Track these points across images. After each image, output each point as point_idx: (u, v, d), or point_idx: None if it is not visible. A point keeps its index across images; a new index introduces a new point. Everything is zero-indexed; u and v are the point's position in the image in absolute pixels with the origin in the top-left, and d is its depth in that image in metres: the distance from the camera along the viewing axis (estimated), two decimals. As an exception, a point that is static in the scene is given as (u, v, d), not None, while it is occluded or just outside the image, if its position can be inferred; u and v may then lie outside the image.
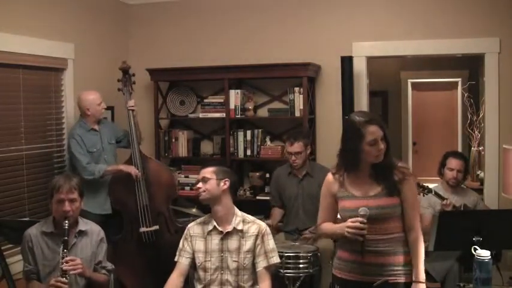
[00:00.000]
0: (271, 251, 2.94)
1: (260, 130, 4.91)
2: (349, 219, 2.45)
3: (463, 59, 6.49)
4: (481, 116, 5.45)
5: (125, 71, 4.42)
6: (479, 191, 4.58)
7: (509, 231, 3.08)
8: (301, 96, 4.65)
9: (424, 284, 2.48)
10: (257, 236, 2.92)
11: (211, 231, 2.94)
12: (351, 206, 2.49)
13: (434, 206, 3.92)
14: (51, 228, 2.97)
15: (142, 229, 4.15)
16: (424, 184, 3.91)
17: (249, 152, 4.89)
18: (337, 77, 4.60)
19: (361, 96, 4.68)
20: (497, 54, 4.45)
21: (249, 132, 4.89)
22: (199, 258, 2.92)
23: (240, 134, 4.90)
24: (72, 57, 4.48)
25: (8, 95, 3.94)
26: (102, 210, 4.13)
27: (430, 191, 3.87)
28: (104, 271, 3.07)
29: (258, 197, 4.84)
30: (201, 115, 5.04)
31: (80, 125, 4.15)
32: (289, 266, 3.65)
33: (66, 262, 2.74)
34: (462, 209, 3.89)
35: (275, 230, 4.21)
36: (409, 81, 8.33)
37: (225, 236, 2.92)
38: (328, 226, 2.64)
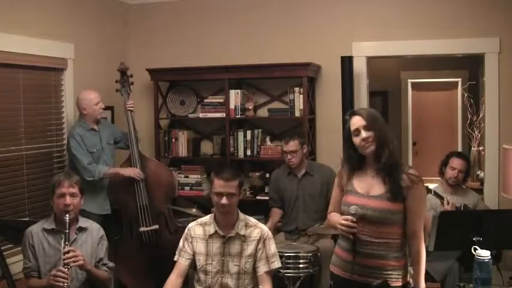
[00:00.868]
0: (273, 255, 2.92)
1: (260, 130, 4.91)
2: (342, 217, 2.48)
3: (463, 59, 6.48)
4: (481, 116, 5.45)
5: (123, 71, 4.43)
6: (479, 191, 4.59)
7: (509, 231, 3.08)
8: (301, 96, 4.65)
9: None
10: (259, 240, 2.90)
11: (212, 234, 2.92)
12: (351, 201, 2.49)
13: (435, 208, 3.92)
14: (53, 225, 3.03)
15: (142, 229, 4.15)
16: (424, 184, 3.90)
17: (249, 152, 4.89)
18: (337, 77, 4.60)
19: (361, 96, 4.68)
20: (497, 54, 4.45)
21: (249, 132, 4.89)
22: (200, 260, 2.91)
23: (240, 134, 4.90)
24: (72, 57, 4.48)
25: (8, 95, 3.94)
26: (101, 210, 4.13)
27: (429, 191, 3.88)
28: (104, 268, 3.09)
29: (258, 197, 4.84)
30: (201, 115, 5.04)
31: (80, 125, 4.15)
32: (289, 266, 3.65)
33: (67, 253, 2.79)
34: (462, 209, 3.89)
35: (275, 230, 4.22)
36: (409, 81, 8.32)
37: (227, 240, 2.90)
38: (333, 217, 2.65)
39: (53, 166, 4.33)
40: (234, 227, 2.91)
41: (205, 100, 5.07)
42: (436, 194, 3.90)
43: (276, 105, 5.02)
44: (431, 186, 4.03)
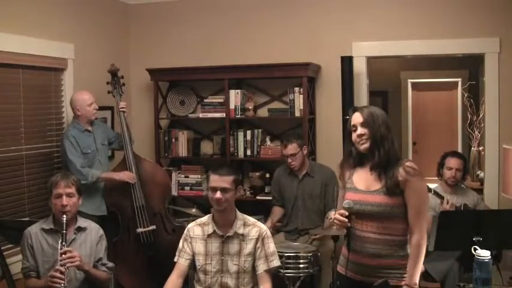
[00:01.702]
0: (272, 254, 2.92)
1: (260, 130, 4.91)
2: (337, 211, 2.50)
3: (463, 59, 6.49)
4: (481, 116, 5.45)
5: (114, 73, 4.42)
6: (479, 191, 4.59)
7: (509, 231, 3.08)
8: (301, 96, 4.65)
9: None
10: (257, 239, 2.91)
11: (211, 234, 2.92)
12: (352, 198, 2.50)
13: (435, 207, 3.92)
14: (51, 225, 3.03)
15: (140, 230, 4.15)
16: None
17: (249, 152, 4.89)
18: (337, 77, 4.60)
19: (361, 96, 4.68)
20: (497, 54, 4.44)
21: (249, 132, 4.89)
22: (200, 260, 2.91)
23: (240, 134, 4.90)
24: (72, 57, 4.47)
25: (8, 95, 3.93)
26: (98, 211, 4.11)
27: (429, 190, 3.87)
28: (104, 268, 3.09)
29: (258, 197, 4.84)
30: (201, 115, 5.04)
31: (74, 126, 4.12)
32: (289, 266, 3.65)
33: (64, 253, 2.79)
34: (462, 209, 3.89)
35: (275, 230, 4.22)
36: (409, 81, 8.33)
37: (226, 239, 2.90)
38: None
39: (53, 166, 4.33)
40: (232, 226, 2.91)
41: (205, 100, 5.07)
42: (436, 194, 3.90)
43: (276, 105, 5.02)
44: (431, 186, 4.03)
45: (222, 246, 2.90)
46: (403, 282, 2.45)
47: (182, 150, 5.09)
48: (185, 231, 3.01)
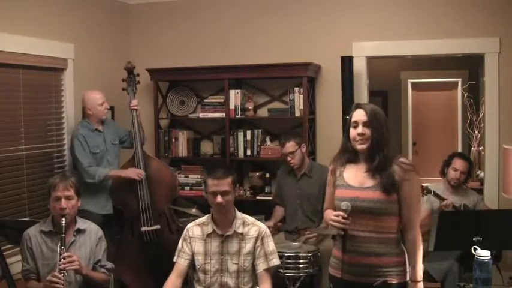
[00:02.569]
0: (271, 253, 2.92)
1: (260, 130, 4.91)
2: (333, 212, 2.46)
3: (463, 59, 6.49)
4: (481, 116, 5.46)
5: (130, 70, 4.44)
6: (479, 191, 4.58)
7: (509, 231, 3.09)
8: (301, 96, 4.65)
9: (422, 283, 2.46)
10: (257, 238, 2.91)
11: (210, 233, 2.93)
12: (345, 195, 2.46)
13: (432, 202, 3.92)
14: (50, 227, 3.01)
15: (144, 228, 4.16)
16: (424, 184, 3.91)
17: (249, 152, 4.89)
18: (337, 77, 4.60)
19: (361, 96, 4.68)
20: (497, 54, 4.44)
21: (249, 132, 4.89)
22: (199, 260, 2.92)
23: (240, 134, 4.90)
24: (72, 57, 4.48)
25: (8, 95, 3.93)
26: (103, 210, 4.14)
27: (429, 191, 3.88)
28: (102, 270, 3.08)
29: (258, 197, 4.84)
30: (201, 115, 5.04)
31: (84, 125, 4.15)
32: (289, 266, 3.65)
33: (64, 258, 2.78)
34: (462, 209, 3.89)
35: (275, 230, 4.22)
36: (409, 81, 8.32)
37: (225, 238, 2.91)
38: (328, 214, 2.61)
39: (53, 166, 4.33)
40: (231, 225, 2.91)
41: (205, 100, 5.07)
42: (436, 195, 3.90)
43: (276, 105, 5.02)
44: (431, 186, 4.03)
45: (222, 246, 2.90)
46: (407, 279, 2.45)
47: (182, 150, 5.09)
48: (184, 231, 3.01)
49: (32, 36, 4.03)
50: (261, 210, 4.57)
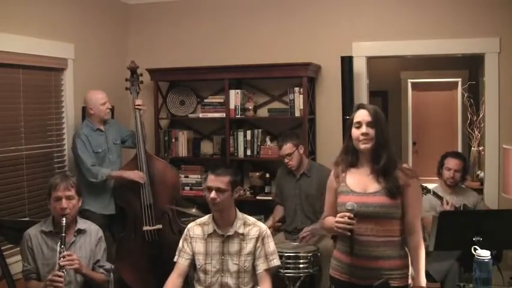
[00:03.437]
0: (272, 253, 2.92)
1: (260, 130, 4.91)
2: (338, 214, 2.45)
3: (463, 59, 6.49)
4: (481, 116, 5.46)
5: (133, 70, 4.45)
6: (479, 191, 4.58)
7: (509, 231, 3.08)
8: (301, 96, 4.65)
9: None
10: (257, 238, 2.91)
11: (211, 233, 2.93)
12: (349, 201, 2.44)
13: (435, 208, 3.92)
14: (51, 227, 3.01)
15: (146, 228, 4.16)
16: (423, 184, 3.91)
17: (249, 152, 4.89)
18: (337, 77, 4.60)
19: (361, 96, 4.68)
20: (497, 54, 4.44)
21: (249, 132, 4.89)
22: (200, 260, 2.92)
23: (240, 134, 4.90)
24: (72, 57, 4.48)
25: (8, 95, 3.93)
26: (106, 210, 4.15)
27: (428, 191, 3.88)
28: (101, 270, 3.08)
29: (258, 197, 4.84)
30: (201, 115, 5.04)
31: (86, 125, 4.17)
32: (289, 266, 3.66)
33: (64, 257, 2.78)
34: (462, 209, 3.89)
35: (275, 230, 4.22)
36: (409, 81, 8.32)
37: (226, 239, 2.90)
38: (330, 220, 2.61)
39: (53, 166, 4.33)
40: (232, 225, 2.91)
41: (205, 100, 5.07)
42: (436, 195, 3.90)
43: (276, 105, 5.02)
44: (431, 186, 4.03)
45: (222, 246, 2.90)
46: (409, 281, 2.46)
47: (182, 150, 5.09)
48: (185, 231, 3.01)
49: (32, 36, 4.03)
50: (261, 210, 4.58)
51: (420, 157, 8.75)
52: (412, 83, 8.52)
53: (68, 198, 2.97)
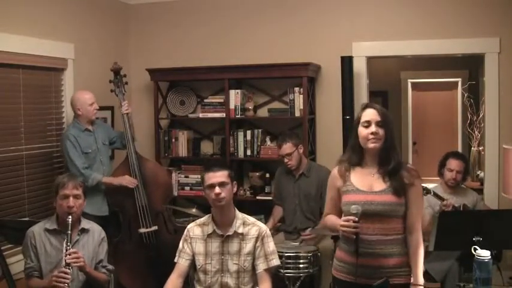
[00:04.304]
0: (271, 253, 2.92)
1: (260, 130, 4.91)
2: (342, 218, 2.46)
3: (463, 59, 6.49)
4: (481, 116, 5.46)
5: (117, 71, 4.40)
6: (479, 191, 4.58)
7: (509, 231, 3.08)
8: (301, 96, 4.65)
9: (423, 287, 2.47)
10: (257, 238, 2.91)
11: (211, 234, 2.93)
12: (356, 200, 2.46)
13: (433, 206, 3.92)
14: (55, 225, 3.05)
15: (142, 230, 4.15)
16: (423, 185, 3.90)
17: (249, 152, 4.89)
18: (337, 77, 4.60)
19: (361, 96, 4.68)
20: (497, 54, 4.44)
21: (249, 132, 4.89)
22: (200, 260, 2.92)
23: (240, 134, 4.90)
24: (72, 57, 4.48)
25: (8, 95, 3.93)
26: (99, 212, 4.09)
27: (428, 191, 3.88)
28: (104, 270, 3.10)
29: (258, 197, 4.84)
30: (201, 115, 5.04)
31: (74, 125, 4.11)
32: (289, 266, 3.66)
33: (69, 254, 2.82)
34: (462, 209, 3.89)
35: (275, 230, 4.22)
36: (409, 81, 8.33)
37: (226, 239, 2.91)
38: (331, 219, 2.62)
39: (53, 166, 4.33)
40: (232, 225, 2.91)
41: (205, 100, 5.07)
42: (435, 195, 3.90)
43: (276, 105, 5.02)
44: (431, 186, 4.03)
45: (222, 246, 2.90)
46: (411, 281, 2.46)
47: (182, 150, 5.09)
48: (185, 232, 3.01)
49: (32, 36, 4.03)
50: (261, 210, 4.58)
51: (420, 157, 8.74)
52: (412, 83, 8.52)
53: (75, 197, 3.02)
